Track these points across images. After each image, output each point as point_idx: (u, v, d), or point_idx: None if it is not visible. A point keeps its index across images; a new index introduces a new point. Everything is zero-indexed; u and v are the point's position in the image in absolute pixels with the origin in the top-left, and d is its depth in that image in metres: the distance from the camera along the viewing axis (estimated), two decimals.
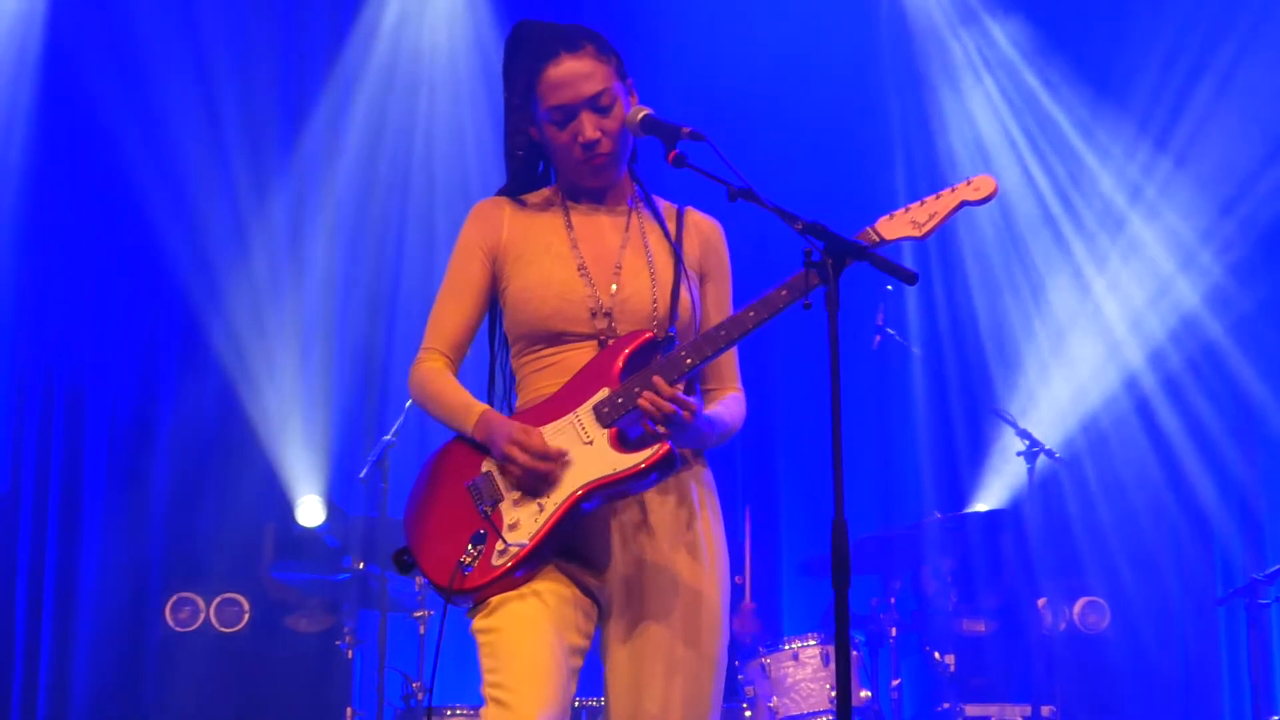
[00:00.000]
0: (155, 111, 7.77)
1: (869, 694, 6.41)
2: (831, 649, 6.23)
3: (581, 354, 3.29)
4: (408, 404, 6.35)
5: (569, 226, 3.39)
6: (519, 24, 3.41)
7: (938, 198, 3.23)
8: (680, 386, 3.19)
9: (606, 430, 3.19)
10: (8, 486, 7.45)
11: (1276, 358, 7.96)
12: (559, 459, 3.17)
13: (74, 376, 7.66)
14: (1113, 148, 8.22)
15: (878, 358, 7.43)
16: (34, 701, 7.32)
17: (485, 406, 3.31)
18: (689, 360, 3.20)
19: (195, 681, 7.09)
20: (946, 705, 6.70)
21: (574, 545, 3.24)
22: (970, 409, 7.88)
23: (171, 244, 7.82)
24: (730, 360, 3.45)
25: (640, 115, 3.27)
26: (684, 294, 3.35)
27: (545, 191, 3.46)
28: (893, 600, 6.67)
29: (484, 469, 3.25)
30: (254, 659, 7.16)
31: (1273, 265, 8.02)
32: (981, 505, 7.79)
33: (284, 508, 7.47)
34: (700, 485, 3.36)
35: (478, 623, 3.20)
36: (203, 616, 7.16)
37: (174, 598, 7.19)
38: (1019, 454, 6.92)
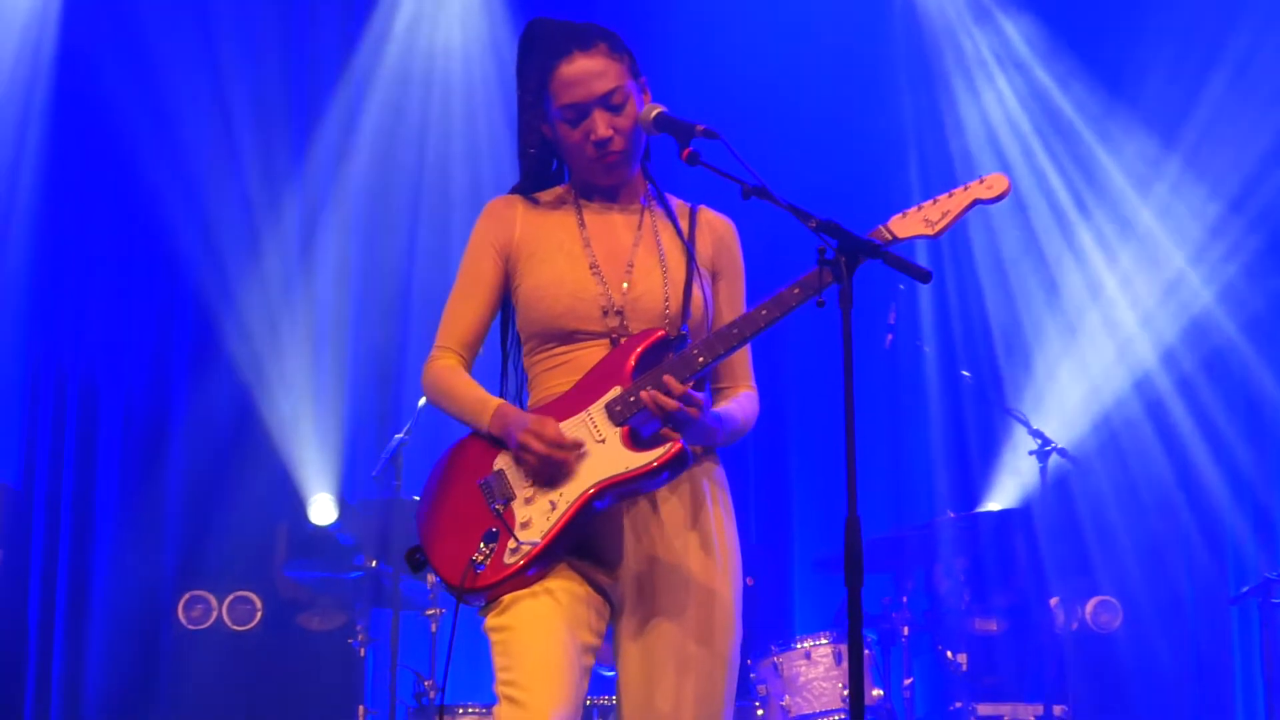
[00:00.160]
0: (168, 112, 7.78)
1: (881, 693, 6.41)
2: (844, 648, 6.23)
3: (594, 352, 3.29)
4: (421, 402, 6.35)
5: (581, 225, 3.39)
6: (532, 22, 3.41)
7: (950, 196, 3.23)
8: (690, 384, 3.19)
9: (619, 428, 3.19)
10: (21, 485, 7.46)
11: None
12: (575, 448, 3.18)
13: (87, 374, 7.67)
14: (1126, 145, 8.21)
15: (890, 356, 7.42)
16: (47, 699, 7.33)
17: (500, 400, 3.32)
18: (701, 358, 3.20)
19: (207, 680, 7.11)
20: (959, 704, 6.70)
21: (586, 543, 3.24)
22: (983, 408, 7.87)
23: (185, 243, 7.83)
24: (743, 359, 3.45)
25: (654, 113, 3.27)
26: (696, 292, 3.35)
27: (558, 190, 3.47)
28: (905, 599, 6.67)
29: (496, 467, 3.25)
30: (266, 657, 7.17)
31: None
32: (994, 504, 7.78)
33: (296, 506, 7.48)
34: (712, 482, 3.36)
35: (490, 621, 3.20)
36: (215, 615, 7.17)
37: (186, 596, 7.20)
38: (1031, 453, 6.91)
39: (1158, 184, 8.14)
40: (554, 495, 3.18)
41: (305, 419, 7.72)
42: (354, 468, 7.73)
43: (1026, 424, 6.91)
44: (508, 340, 3.45)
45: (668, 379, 3.15)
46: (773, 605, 7.17)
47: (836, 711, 6.21)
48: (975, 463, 8.08)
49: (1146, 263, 8.14)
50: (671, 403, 3.13)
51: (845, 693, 6.18)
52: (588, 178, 3.41)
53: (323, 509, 7.44)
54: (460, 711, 6.08)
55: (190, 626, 7.16)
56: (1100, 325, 8.13)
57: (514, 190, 3.47)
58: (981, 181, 3.23)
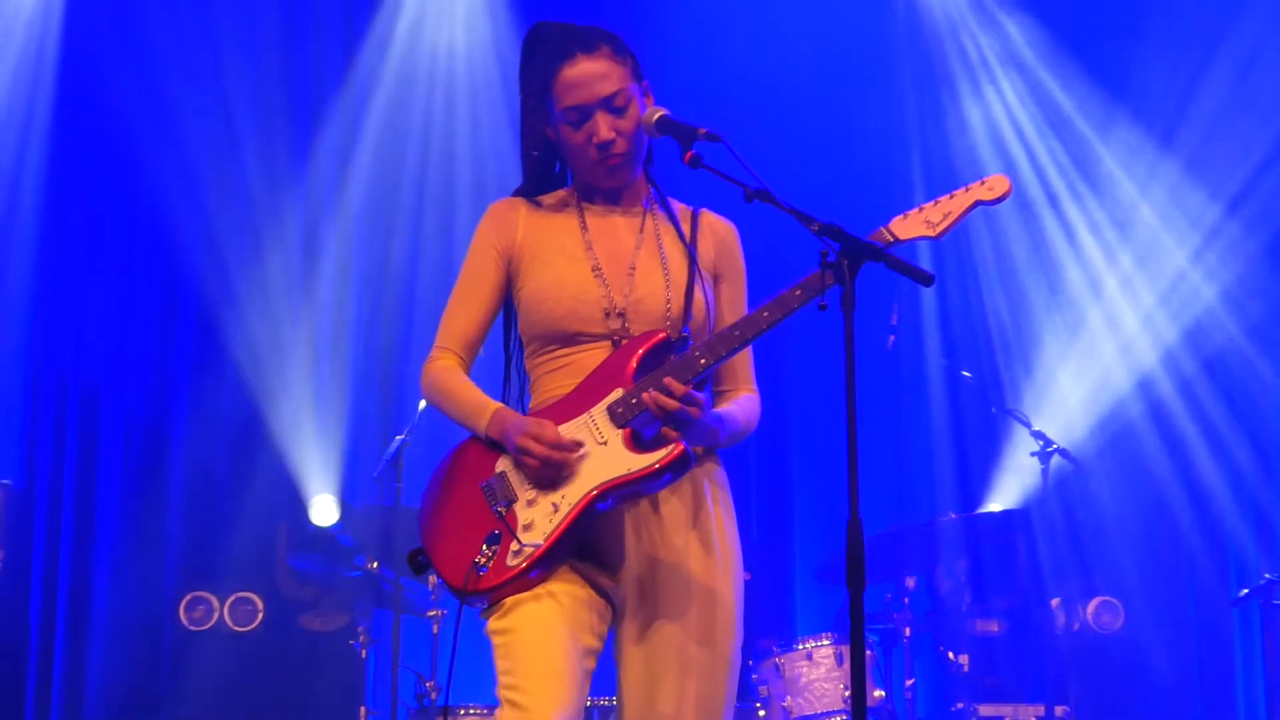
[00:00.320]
0: (171, 114, 7.78)
1: (883, 694, 6.41)
2: (845, 649, 6.23)
3: (595, 354, 3.30)
4: (422, 403, 6.35)
5: (583, 227, 3.39)
6: (536, 25, 3.41)
7: (952, 197, 3.23)
8: (691, 386, 3.20)
9: (621, 430, 3.19)
10: (23, 484, 7.46)
11: None
12: (574, 449, 3.18)
13: (90, 374, 7.68)
14: (1127, 146, 8.21)
15: (891, 357, 7.42)
16: (48, 699, 7.33)
17: (499, 404, 3.32)
18: (703, 360, 3.20)
19: (209, 680, 7.10)
20: (960, 705, 6.70)
21: (588, 545, 3.24)
22: (984, 409, 7.87)
23: (187, 244, 7.83)
24: (744, 361, 3.45)
25: (656, 115, 3.28)
26: (698, 295, 3.35)
27: (561, 192, 3.47)
28: (906, 600, 6.67)
29: (498, 469, 3.25)
30: (268, 658, 7.17)
31: None
32: (995, 505, 7.78)
33: (298, 507, 7.48)
34: (713, 483, 3.36)
35: (492, 624, 3.20)
36: (217, 615, 7.17)
37: (188, 596, 7.20)
38: (1033, 454, 6.92)
39: (1160, 183, 8.14)
40: (556, 497, 3.18)
41: (307, 420, 7.72)
42: (355, 469, 7.73)
43: (1027, 425, 6.92)
44: (510, 343, 3.45)
45: (669, 380, 3.16)
46: (774, 606, 7.17)
47: (838, 712, 6.21)
48: (977, 464, 8.08)
49: (1147, 263, 8.14)
50: (673, 403, 3.14)
51: (847, 694, 6.19)
52: (590, 180, 3.41)
53: (324, 510, 7.44)
54: (462, 712, 6.09)
55: (192, 627, 7.16)
56: (1101, 326, 8.13)
57: (517, 193, 3.47)
58: (983, 183, 3.23)
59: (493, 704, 3.21)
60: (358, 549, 7.19)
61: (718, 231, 3.49)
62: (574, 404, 3.26)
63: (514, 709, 3.10)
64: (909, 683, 6.58)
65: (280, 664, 7.16)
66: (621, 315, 3.31)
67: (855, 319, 2.91)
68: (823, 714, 6.24)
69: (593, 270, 3.33)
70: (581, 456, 3.19)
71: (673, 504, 3.29)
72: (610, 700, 5.86)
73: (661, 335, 3.27)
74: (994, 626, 7.01)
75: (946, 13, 8.49)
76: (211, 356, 7.74)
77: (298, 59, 8.12)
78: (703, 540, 3.30)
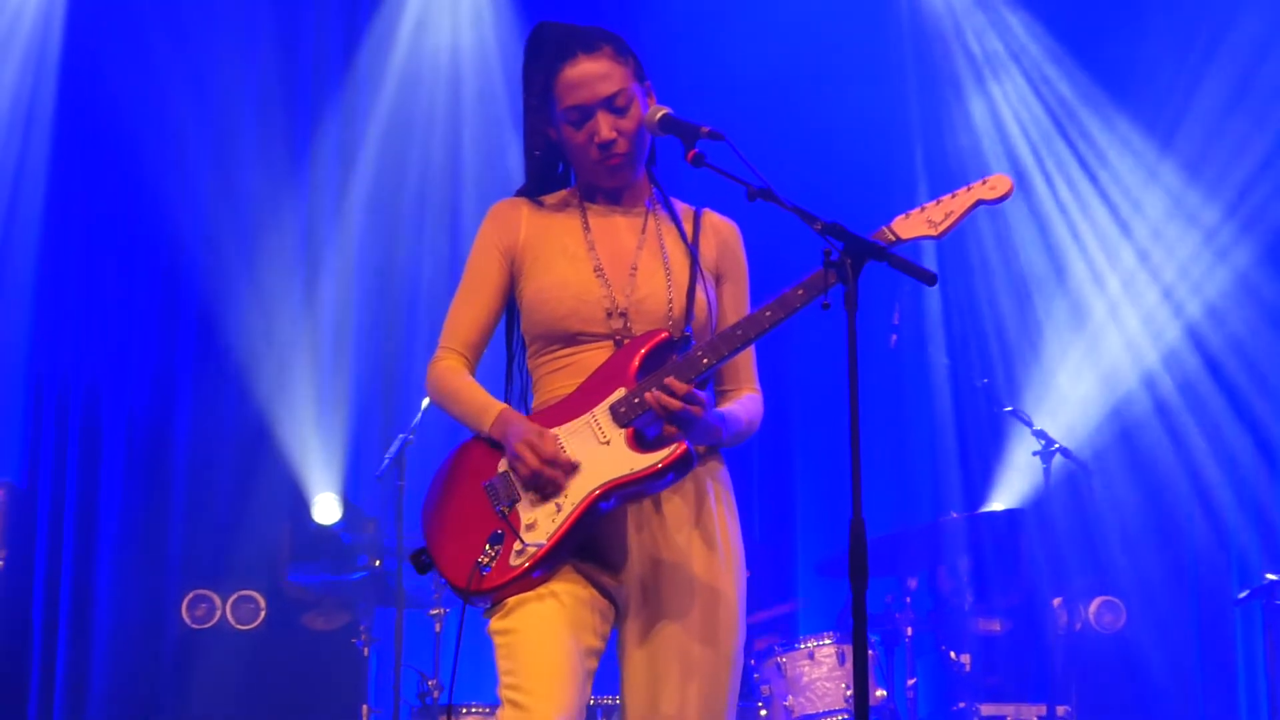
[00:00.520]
0: (173, 116, 7.80)
1: (884, 693, 6.41)
2: (847, 648, 6.23)
3: (597, 354, 3.30)
4: (425, 402, 6.36)
5: (586, 227, 3.39)
6: (538, 25, 3.42)
7: (954, 196, 3.23)
8: (693, 385, 3.20)
9: (623, 430, 3.19)
10: (26, 484, 7.47)
11: None
12: (567, 468, 3.18)
13: (91, 374, 7.68)
14: (1131, 145, 8.21)
15: (894, 356, 7.42)
16: (51, 698, 7.34)
17: (503, 405, 3.32)
18: (705, 359, 3.20)
19: (211, 679, 7.12)
20: (962, 705, 6.71)
21: (591, 545, 3.24)
22: (986, 408, 7.87)
23: (189, 244, 7.84)
24: (747, 361, 3.45)
25: (659, 114, 3.28)
26: (700, 294, 3.35)
27: (563, 192, 3.47)
28: (908, 599, 6.67)
29: (501, 469, 3.25)
30: (270, 656, 7.18)
31: None
32: (997, 504, 7.79)
33: (300, 505, 7.48)
34: (716, 483, 3.36)
35: (495, 624, 3.20)
36: (219, 614, 7.18)
37: (190, 595, 7.21)
38: (1035, 454, 6.92)
39: (1162, 181, 8.14)
40: (559, 497, 3.18)
41: (309, 418, 7.73)
42: (358, 467, 7.73)
43: (1029, 424, 6.92)
44: (513, 342, 3.45)
45: (671, 380, 3.16)
46: (776, 605, 7.16)
47: (840, 712, 6.21)
48: (979, 463, 8.08)
49: (1150, 262, 8.14)
50: (675, 403, 3.14)
51: (849, 693, 6.19)
52: (592, 180, 3.41)
53: (327, 508, 7.45)
54: (464, 711, 6.09)
55: (194, 626, 7.17)
56: (1105, 326, 8.13)
57: (519, 193, 3.48)
58: (984, 182, 3.23)
59: (495, 703, 3.21)
60: (360, 547, 7.20)
61: (720, 231, 3.49)
62: (576, 404, 3.25)
63: (515, 709, 3.10)
64: (911, 682, 6.58)
65: (283, 662, 7.17)
66: (623, 315, 3.31)
67: (858, 318, 2.91)
68: (825, 713, 6.25)
69: (595, 270, 3.33)
70: (575, 471, 3.18)
71: (675, 503, 3.29)
72: (613, 699, 5.86)
73: (664, 335, 3.27)
74: (996, 626, 7.02)
75: (949, 11, 8.49)
76: (213, 355, 7.75)
77: (299, 59, 8.13)
78: (705, 539, 3.30)
